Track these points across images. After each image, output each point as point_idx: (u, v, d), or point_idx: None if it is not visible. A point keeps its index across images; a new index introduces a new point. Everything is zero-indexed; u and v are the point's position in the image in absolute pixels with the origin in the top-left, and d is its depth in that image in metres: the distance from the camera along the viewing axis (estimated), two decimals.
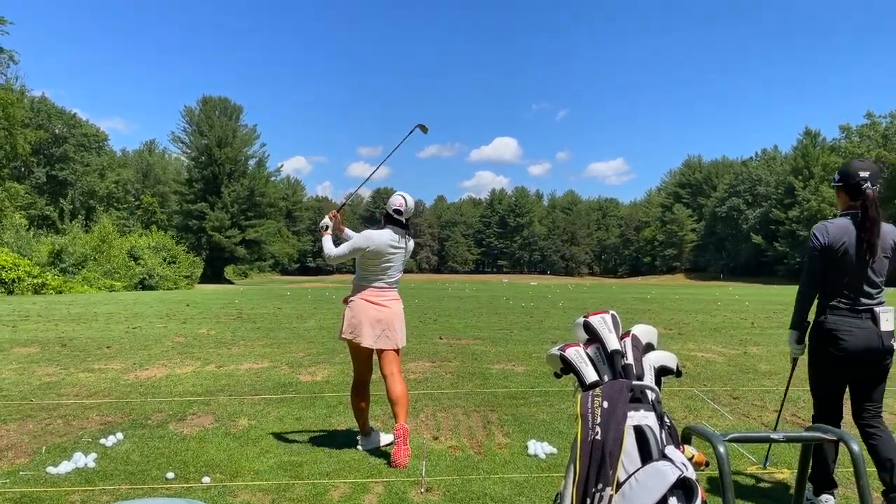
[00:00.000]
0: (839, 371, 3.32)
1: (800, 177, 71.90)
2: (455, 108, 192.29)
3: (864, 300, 3.25)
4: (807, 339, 3.46)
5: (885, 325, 3.22)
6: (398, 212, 4.33)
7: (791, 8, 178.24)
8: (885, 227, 3.27)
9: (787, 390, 3.97)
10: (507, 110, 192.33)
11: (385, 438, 4.48)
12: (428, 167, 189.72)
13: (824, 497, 3.39)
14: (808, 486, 3.40)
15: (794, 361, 3.65)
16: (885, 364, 3.28)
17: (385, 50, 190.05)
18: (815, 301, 3.39)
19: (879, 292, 3.28)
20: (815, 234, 3.35)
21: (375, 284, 4.31)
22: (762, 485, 3.75)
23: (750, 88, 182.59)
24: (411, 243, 4.46)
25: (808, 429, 2.38)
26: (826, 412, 3.41)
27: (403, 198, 4.35)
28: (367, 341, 4.23)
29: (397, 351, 4.34)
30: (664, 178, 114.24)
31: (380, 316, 4.25)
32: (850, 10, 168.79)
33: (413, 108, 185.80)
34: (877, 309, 3.23)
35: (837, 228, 3.26)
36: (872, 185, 3.22)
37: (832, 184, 3.51)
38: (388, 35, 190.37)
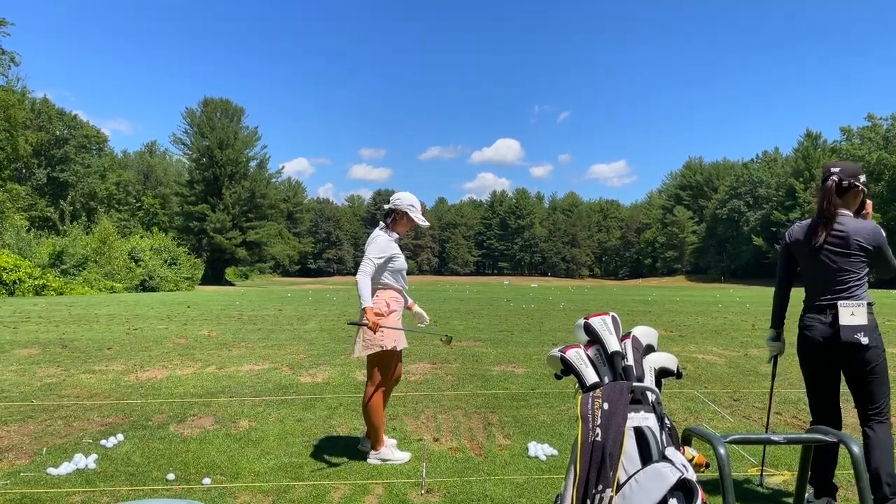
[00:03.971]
0: (817, 367, 3.34)
1: (801, 179, 71.84)
2: (457, 110, 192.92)
3: (829, 295, 3.23)
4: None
5: (846, 318, 3.13)
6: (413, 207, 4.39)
7: (792, 10, 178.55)
8: (858, 224, 3.22)
9: (771, 389, 3.96)
10: (510, 112, 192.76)
11: (399, 454, 4.18)
12: (429, 169, 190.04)
13: (825, 500, 3.38)
14: (809, 488, 3.39)
15: (774, 360, 3.72)
16: (860, 360, 3.15)
17: (388, 52, 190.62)
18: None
19: (849, 287, 3.19)
20: (783, 234, 3.49)
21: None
22: (762, 487, 3.74)
23: (751, 90, 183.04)
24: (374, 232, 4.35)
25: (808, 431, 2.39)
26: (821, 413, 3.40)
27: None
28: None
29: (367, 358, 4.19)
30: (665, 179, 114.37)
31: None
32: (851, 11, 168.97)
33: (415, 110, 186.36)
34: (840, 303, 3.17)
35: (801, 227, 3.37)
36: (841, 179, 3.24)
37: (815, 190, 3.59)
38: (390, 37, 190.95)
